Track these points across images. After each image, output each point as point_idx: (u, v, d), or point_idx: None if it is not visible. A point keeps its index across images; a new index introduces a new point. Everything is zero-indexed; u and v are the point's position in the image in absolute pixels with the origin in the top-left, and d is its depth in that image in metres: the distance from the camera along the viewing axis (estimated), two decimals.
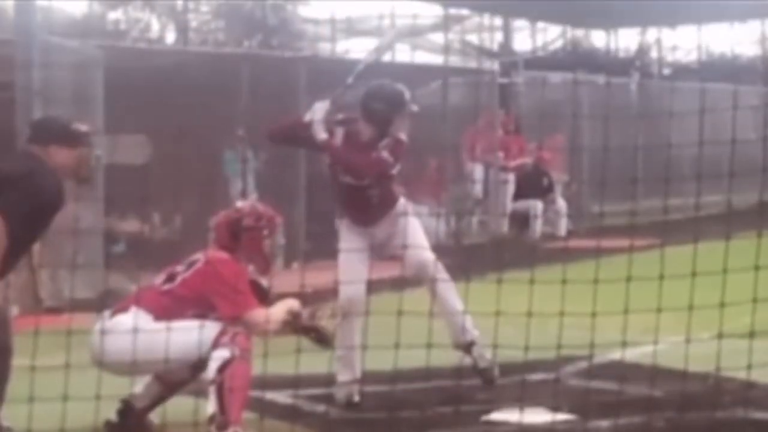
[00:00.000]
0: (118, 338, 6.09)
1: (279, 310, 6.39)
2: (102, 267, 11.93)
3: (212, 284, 6.35)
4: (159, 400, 6.60)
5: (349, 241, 7.62)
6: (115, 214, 14.93)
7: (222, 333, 6.17)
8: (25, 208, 5.61)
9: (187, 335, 6.14)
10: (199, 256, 6.56)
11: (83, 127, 6.09)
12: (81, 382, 5.85)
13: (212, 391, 6.10)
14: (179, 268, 6.53)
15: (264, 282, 6.68)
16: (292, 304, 6.44)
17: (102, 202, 11.94)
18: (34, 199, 5.67)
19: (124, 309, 6.36)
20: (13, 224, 5.55)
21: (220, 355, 6.12)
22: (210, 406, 6.10)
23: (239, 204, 7.00)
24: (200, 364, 6.24)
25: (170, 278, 6.49)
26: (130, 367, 6.06)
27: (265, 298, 6.60)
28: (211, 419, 6.07)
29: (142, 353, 6.01)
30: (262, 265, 6.75)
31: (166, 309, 6.29)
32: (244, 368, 6.16)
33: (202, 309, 6.31)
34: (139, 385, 6.52)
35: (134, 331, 6.01)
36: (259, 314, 6.31)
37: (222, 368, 6.10)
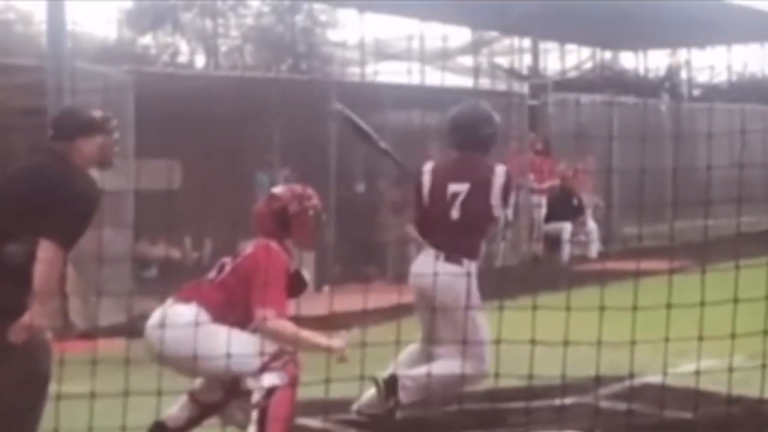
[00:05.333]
0: (178, 332, 6.05)
1: (310, 337, 6.33)
2: (132, 292, 11.91)
3: (253, 272, 6.32)
4: (192, 422, 6.55)
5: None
6: (146, 239, 14.95)
7: (275, 357, 6.14)
8: (74, 225, 5.58)
9: (246, 346, 6.10)
10: (249, 248, 6.54)
11: (100, 113, 6.05)
12: (108, 411, 5.80)
13: (255, 415, 6.08)
14: (228, 259, 6.54)
15: (306, 274, 6.62)
16: (332, 344, 6.35)
17: (131, 227, 11.94)
18: (79, 211, 5.62)
19: (186, 300, 6.32)
20: (67, 245, 5.55)
21: (269, 380, 6.10)
22: (250, 430, 6.08)
23: (276, 191, 6.87)
24: (234, 388, 6.22)
25: (221, 269, 6.48)
26: (189, 363, 6.00)
27: (305, 289, 6.57)
28: None
29: (202, 350, 5.97)
30: (309, 243, 6.79)
31: (218, 306, 6.25)
32: (290, 397, 6.15)
33: (244, 309, 6.26)
34: (174, 407, 6.49)
35: (196, 324, 6.01)
36: (283, 324, 6.24)
37: (268, 394, 6.08)
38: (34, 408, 5.65)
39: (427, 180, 7.44)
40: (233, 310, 6.26)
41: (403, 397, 7.11)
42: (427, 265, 7.16)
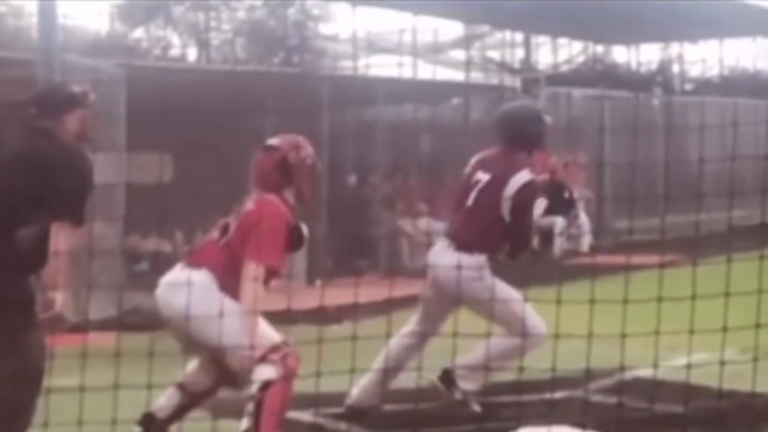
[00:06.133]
0: (181, 292, 6.07)
1: (253, 328, 6.21)
2: (123, 286, 11.90)
3: (253, 227, 6.31)
4: (181, 411, 6.54)
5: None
6: (137, 233, 14.93)
7: (274, 348, 6.13)
8: (83, 200, 5.68)
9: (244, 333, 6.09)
10: (250, 204, 6.51)
11: (79, 88, 6.10)
12: (98, 404, 5.78)
13: (250, 406, 6.08)
14: (230, 218, 6.51)
15: (305, 229, 6.57)
16: (266, 334, 6.27)
17: (122, 221, 11.92)
18: (84, 186, 5.72)
19: (197, 265, 6.31)
20: (82, 221, 5.65)
21: (266, 372, 6.09)
22: (244, 422, 6.09)
23: (272, 142, 6.81)
24: (223, 374, 6.23)
25: (224, 230, 6.45)
26: (186, 327, 6.05)
27: (303, 243, 6.57)
28: None
29: (201, 320, 5.98)
30: (309, 193, 6.72)
31: (225, 270, 6.25)
32: (286, 391, 6.15)
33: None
34: (162, 397, 6.47)
35: (201, 286, 6.07)
36: (252, 296, 6.18)
37: (264, 387, 6.07)
38: (30, 403, 5.65)
39: (467, 169, 7.63)
40: (239, 271, 6.24)
41: (467, 386, 7.28)
42: (438, 254, 7.42)
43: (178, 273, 6.36)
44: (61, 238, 5.51)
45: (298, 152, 6.68)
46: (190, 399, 6.53)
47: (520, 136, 7.52)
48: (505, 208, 7.32)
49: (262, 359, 6.12)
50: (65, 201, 5.59)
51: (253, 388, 6.12)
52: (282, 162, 6.60)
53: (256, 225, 6.31)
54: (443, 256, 7.41)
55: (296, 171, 6.62)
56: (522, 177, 7.37)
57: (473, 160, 7.68)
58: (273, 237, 6.30)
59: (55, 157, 5.70)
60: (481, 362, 7.19)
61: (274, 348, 6.15)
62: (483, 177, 7.46)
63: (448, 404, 7.42)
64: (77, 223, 5.61)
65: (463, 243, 7.36)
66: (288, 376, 6.13)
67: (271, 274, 6.34)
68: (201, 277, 6.21)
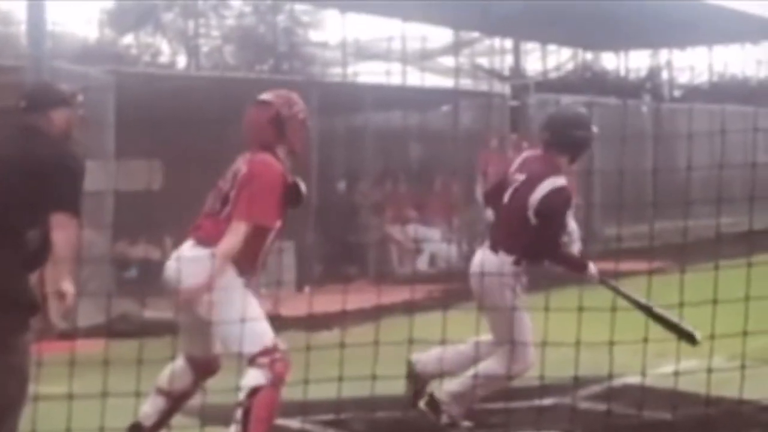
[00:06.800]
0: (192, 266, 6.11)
1: (226, 248, 6.23)
2: (111, 293, 11.88)
3: (245, 188, 6.31)
4: (166, 415, 6.53)
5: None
6: (126, 240, 14.90)
7: (265, 351, 6.12)
8: (78, 192, 5.76)
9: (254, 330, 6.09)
10: (241, 166, 6.47)
11: (67, 87, 6.25)
12: (86, 412, 5.77)
13: (238, 413, 6.06)
14: (226, 186, 6.46)
15: (302, 186, 6.50)
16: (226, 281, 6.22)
17: (110, 228, 11.90)
18: (78, 177, 5.80)
19: (206, 243, 6.30)
20: (78, 213, 5.72)
21: (255, 378, 6.08)
22: (232, 429, 6.07)
23: (264, 97, 6.76)
24: (203, 372, 6.22)
25: (224, 201, 6.41)
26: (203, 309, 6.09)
27: (302, 199, 6.50)
28: None
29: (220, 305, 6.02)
30: (301, 147, 6.68)
31: None
32: (274, 398, 6.13)
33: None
34: (146, 404, 6.46)
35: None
36: (231, 248, 6.20)
37: (252, 393, 6.06)
38: (16, 404, 5.66)
39: (512, 167, 7.52)
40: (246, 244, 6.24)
41: (453, 410, 7.24)
42: (478, 256, 7.43)
43: (193, 251, 6.31)
44: (61, 229, 5.59)
45: (290, 107, 6.65)
46: (173, 402, 6.52)
47: (565, 140, 7.34)
48: (532, 211, 7.20)
49: (252, 361, 6.10)
50: (64, 192, 5.67)
51: (241, 395, 6.09)
52: (275, 117, 6.56)
53: (247, 186, 6.30)
54: (477, 254, 7.45)
55: (289, 126, 6.58)
56: (554, 181, 7.20)
57: (518, 158, 7.59)
58: (265, 195, 6.29)
59: (48, 152, 5.81)
60: (468, 389, 7.16)
61: (265, 351, 6.14)
62: (520, 177, 7.36)
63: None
64: (75, 215, 5.68)
65: (491, 242, 7.35)
66: (276, 382, 6.11)
67: (269, 228, 6.33)
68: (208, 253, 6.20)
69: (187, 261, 6.15)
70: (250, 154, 6.55)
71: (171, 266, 6.31)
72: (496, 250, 7.25)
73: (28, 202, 5.65)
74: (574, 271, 7.36)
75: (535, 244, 7.21)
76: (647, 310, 7.05)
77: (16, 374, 5.60)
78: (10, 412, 5.62)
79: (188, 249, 6.36)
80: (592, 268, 7.30)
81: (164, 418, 6.53)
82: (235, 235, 6.20)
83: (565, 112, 7.81)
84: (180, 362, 6.55)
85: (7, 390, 5.57)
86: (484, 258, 7.29)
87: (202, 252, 6.21)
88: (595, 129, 7.51)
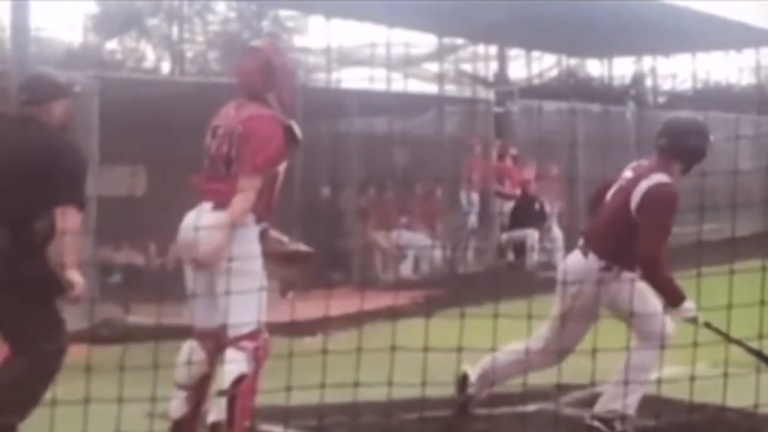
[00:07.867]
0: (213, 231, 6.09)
1: (238, 211, 6.22)
2: (95, 298, 11.84)
3: (244, 146, 6.29)
4: (196, 406, 6.43)
5: None
6: (109, 245, 14.87)
7: (250, 335, 6.11)
8: (83, 183, 5.99)
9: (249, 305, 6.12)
10: (235, 125, 6.41)
11: (64, 79, 6.48)
12: (69, 418, 5.74)
13: (222, 401, 6.03)
14: (223, 147, 6.40)
15: (297, 129, 6.47)
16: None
17: (94, 233, 11.87)
18: (82, 169, 6.04)
19: (222, 205, 6.25)
20: (84, 205, 6.00)
21: (239, 365, 6.06)
22: (215, 414, 6.04)
23: (255, 43, 6.74)
24: (215, 348, 6.27)
25: (228, 163, 6.36)
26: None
27: (298, 143, 6.48)
28: (215, 427, 6.03)
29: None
30: (290, 98, 6.64)
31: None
32: (255, 386, 6.13)
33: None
34: (172, 403, 6.41)
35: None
36: (241, 209, 6.20)
37: (237, 382, 6.04)
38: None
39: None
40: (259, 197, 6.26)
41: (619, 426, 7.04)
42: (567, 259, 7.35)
43: (212, 215, 6.24)
44: (68, 220, 5.78)
45: (280, 56, 6.65)
46: (198, 391, 6.42)
47: (681, 147, 7.09)
48: (634, 205, 6.88)
49: (235, 342, 6.09)
50: (70, 184, 5.85)
51: (225, 382, 6.06)
52: (267, 64, 6.52)
53: (247, 142, 6.28)
54: (566, 258, 7.37)
55: (280, 74, 6.54)
56: (661, 177, 6.91)
57: (629, 166, 7.33)
58: (266, 145, 6.28)
59: (51, 145, 5.92)
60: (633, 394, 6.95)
61: (251, 335, 6.12)
62: (627, 175, 7.15)
63: (420, 417, 7.40)
64: (81, 207, 5.88)
65: (584, 244, 7.13)
66: (257, 370, 6.12)
67: (277, 172, 6.37)
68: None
69: (209, 227, 6.10)
70: (236, 106, 6.53)
71: (189, 232, 6.23)
72: (586, 252, 7.02)
73: (35, 194, 5.74)
74: (667, 298, 6.82)
75: (633, 248, 6.76)
76: (758, 354, 6.84)
77: (60, 327, 6.15)
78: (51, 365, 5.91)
79: (207, 213, 6.28)
80: (690, 304, 6.71)
81: (195, 409, 6.43)
82: (248, 191, 6.19)
83: (683, 119, 7.61)
84: (189, 346, 6.48)
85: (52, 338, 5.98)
86: (569, 262, 7.15)
87: (223, 215, 6.19)
88: (712, 138, 7.25)
